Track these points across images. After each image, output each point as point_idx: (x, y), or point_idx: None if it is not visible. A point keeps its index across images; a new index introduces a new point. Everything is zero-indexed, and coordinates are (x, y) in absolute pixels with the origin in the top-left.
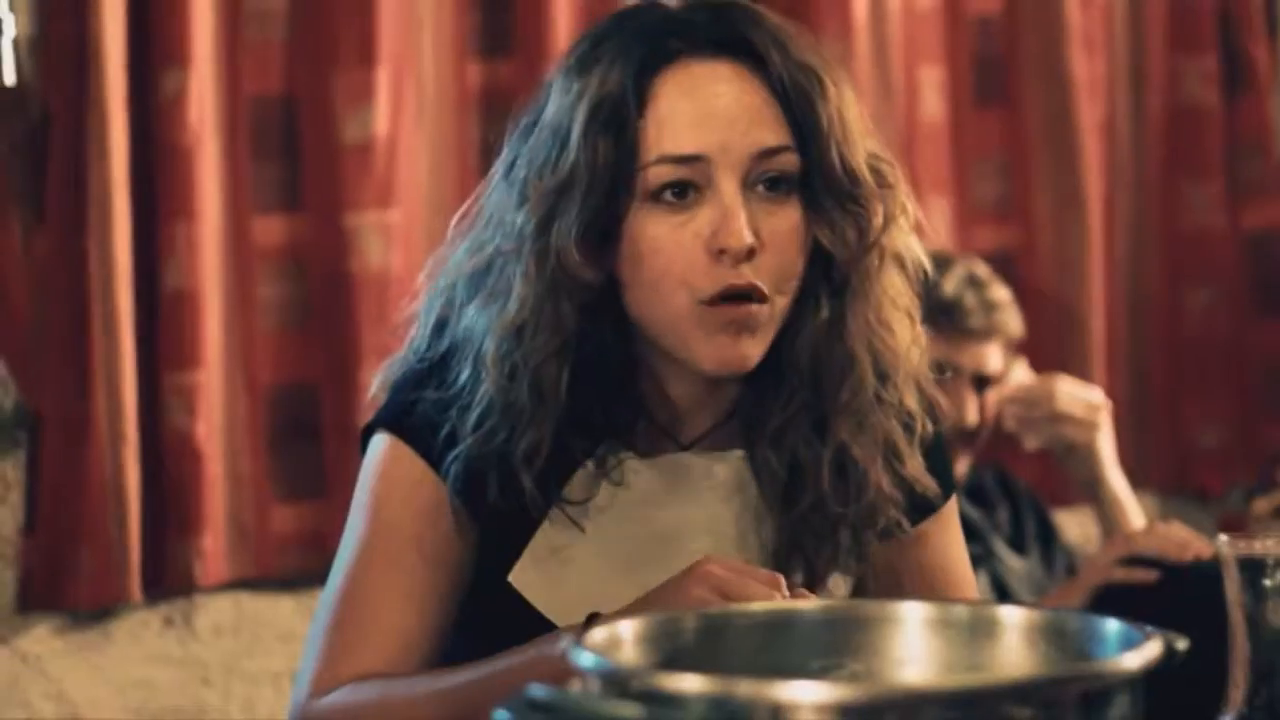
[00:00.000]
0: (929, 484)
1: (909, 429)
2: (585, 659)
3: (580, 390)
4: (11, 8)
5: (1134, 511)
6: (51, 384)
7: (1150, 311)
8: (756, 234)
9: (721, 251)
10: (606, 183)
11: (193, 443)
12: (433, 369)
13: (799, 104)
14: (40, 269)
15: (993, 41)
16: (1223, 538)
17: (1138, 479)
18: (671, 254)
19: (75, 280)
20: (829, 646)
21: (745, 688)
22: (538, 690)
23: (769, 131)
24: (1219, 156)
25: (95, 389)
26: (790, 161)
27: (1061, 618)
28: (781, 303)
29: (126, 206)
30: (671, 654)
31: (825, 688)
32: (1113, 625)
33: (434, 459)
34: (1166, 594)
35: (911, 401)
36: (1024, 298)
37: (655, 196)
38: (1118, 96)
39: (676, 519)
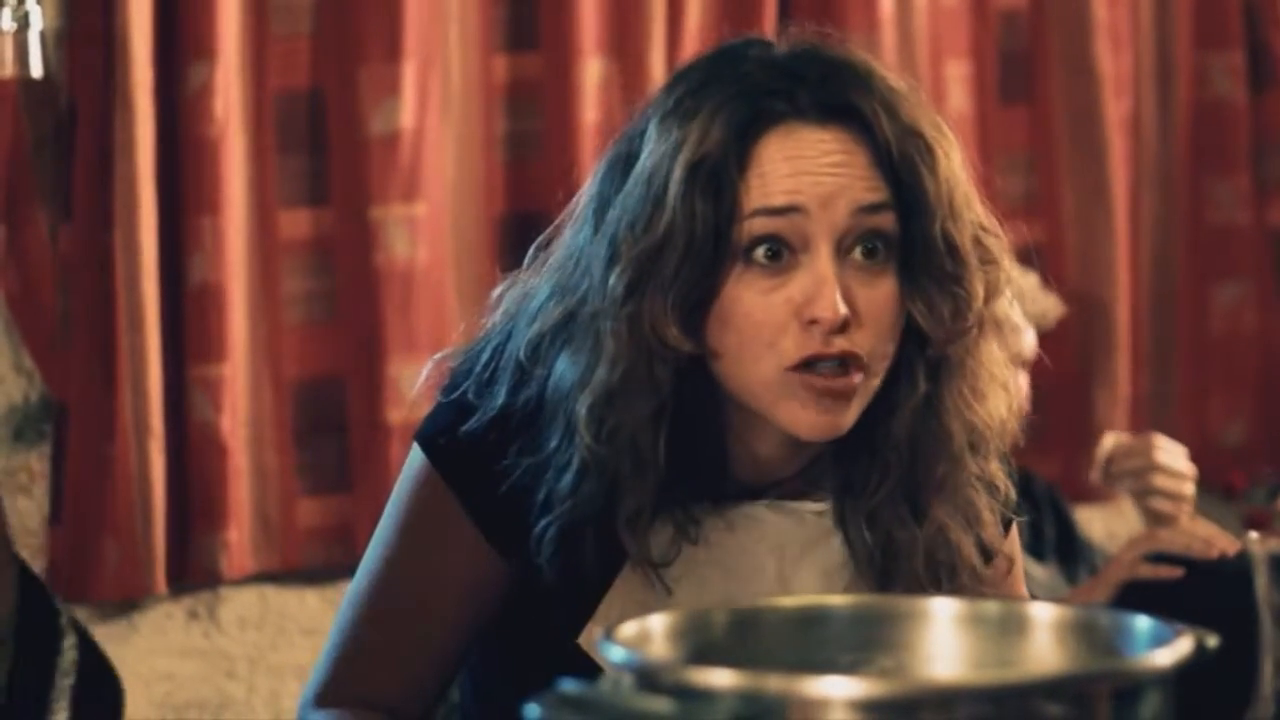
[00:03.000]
0: (1002, 546)
1: (993, 494)
2: (616, 653)
3: (674, 452)
4: (39, 1)
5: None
6: (77, 377)
7: (1176, 307)
8: (851, 304)
9: (813, 321)
10: (701, 245)
11: (218, 436)
12: (516, 423)
13: (905, 171)
14: (66, 262)
15: (1019, 36)
16: (1252, 535)
17: None
18: (761, 320)
19: (101, 273)
20: (859, 642)
21: (776, 683)
22: (568, 685)
23: (869, 190)
24: (1245, 152)
25: (121, 382)
26: (889, 222)
27: (1092, 614)
28: (875, 374)
29: (152, 200)
30: (701, 648)
31: (856, 683)
32: (1144, 622)
33: (479, 508)
34: (1192, 591)
35: (996, 469)
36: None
37: (749, 256)
38: (1144, 92)
39: (749, 570)
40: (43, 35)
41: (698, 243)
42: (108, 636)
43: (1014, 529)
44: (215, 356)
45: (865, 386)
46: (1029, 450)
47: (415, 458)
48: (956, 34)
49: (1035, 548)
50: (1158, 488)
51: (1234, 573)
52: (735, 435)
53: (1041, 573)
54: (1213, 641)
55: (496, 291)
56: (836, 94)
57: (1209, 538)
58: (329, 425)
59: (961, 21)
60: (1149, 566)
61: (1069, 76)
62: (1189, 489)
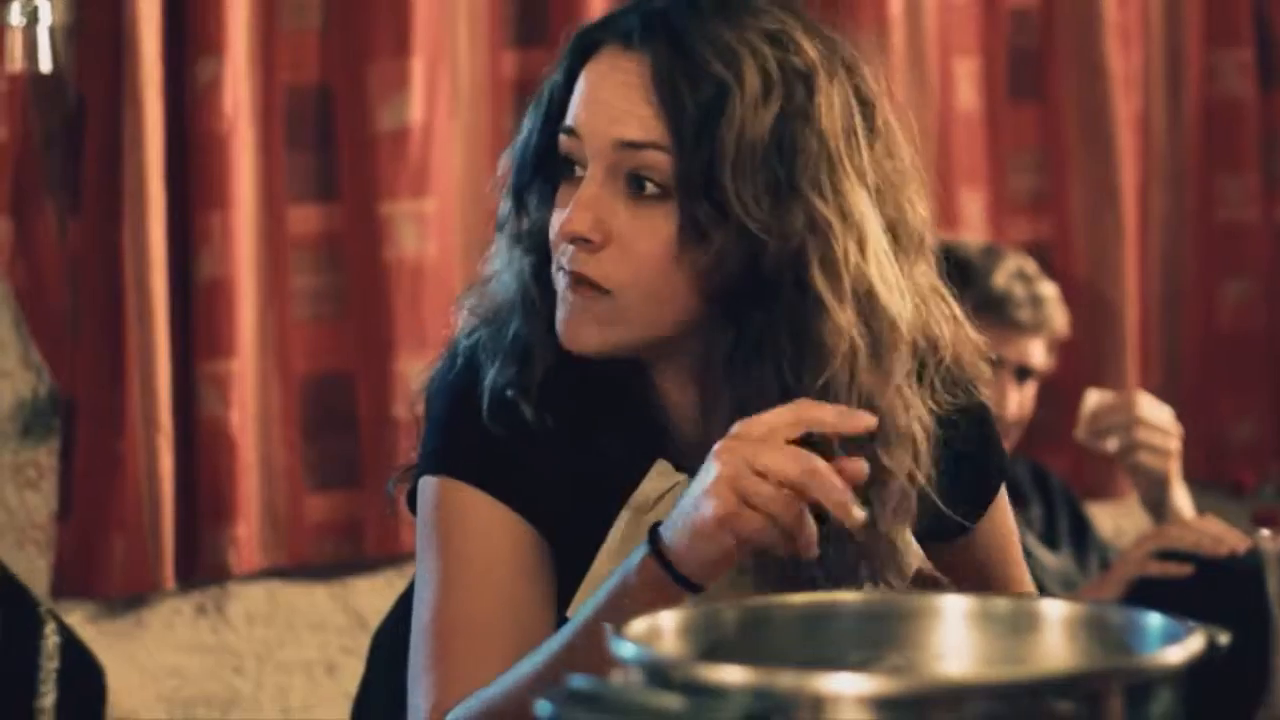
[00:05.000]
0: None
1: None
2: (626, 650)
3: (589, 395)
4: None
5: (1185, 506)
6: (86, 372)
7: (1185, 304)
8: (607, 229)
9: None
10: (535, 158)
11: (227, 431)
12: (467, 385)
13: (693, 106)
14: (75, 257)
15: (1028, 34)
16: (1264, 533)
17: None
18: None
19: (110, 268)
20: (869, 639)
21: (787, 679)
22: (579, 681)
23: (638, 126)
24: (1255, 149)
25: (129, 377)
26: (657, 160)
27: (1103, 611)
28: (634, 301)
29: (161, 195)
30: (712, 645)
31: (867, 680)
32: (1155, 619)
33: (505, 489)
34: (1201, 588)
35: (927, 396)
36: (1058, 290)
37: (568, 171)
38: (1153, 89)
39: None
40: (52, 30)
41: (530, 155)
42: (116, 632)
43: (1002, 493)
44: (224, 351)
45: (620, 312)
46: (1041, 446)
47: (425, 487)
48: (966, 31)
49: (1049, 538)
50: (1142, 441)
51: (1244, 570)
52: (644, 380)
53: (1055, 562)
54: (1224, 639)
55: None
56: (650, 20)
57: (1219, 535)
58: (338, 420)
59: (971, 19)
60: (1158, 564)
61: (1079, 74)
62: (1174, 444)
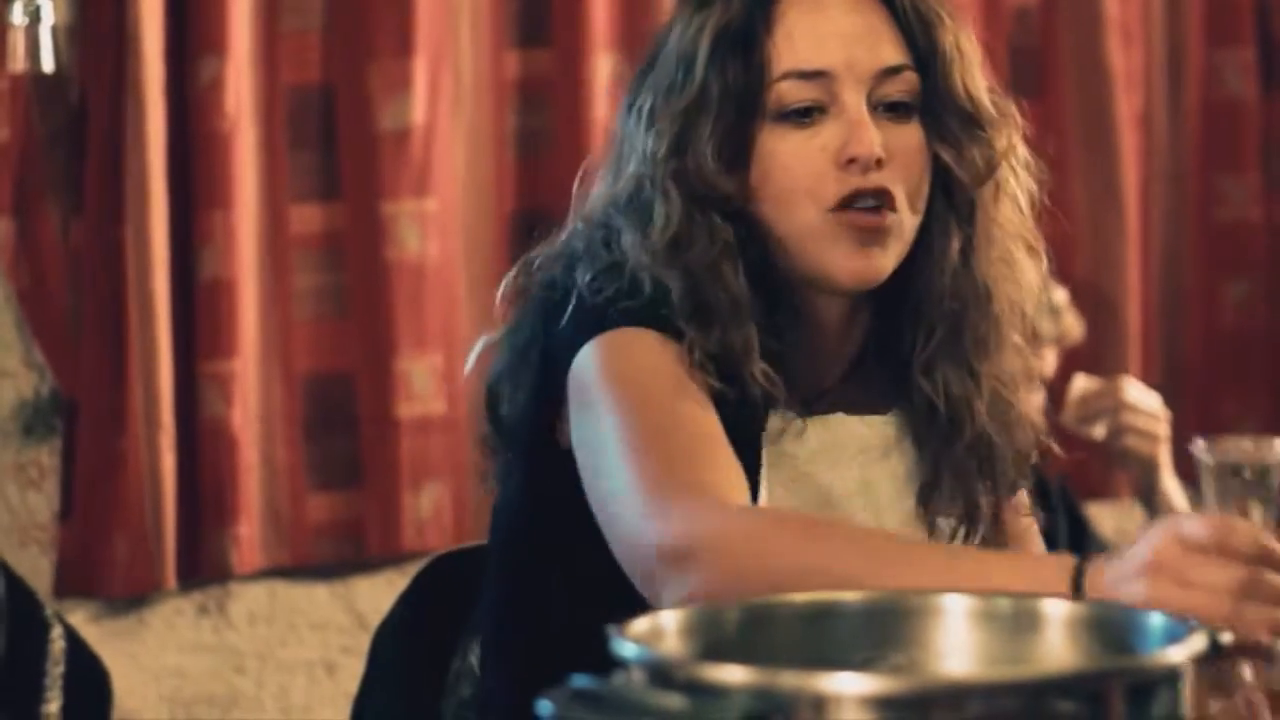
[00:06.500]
0: (1041, 430)
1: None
2: (628, 649)
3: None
4: None
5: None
6: (88, 371)
7: (1186, 304)
8: (884, 148)
9: (850, 161)
10: (735, 103)
11: (228, 431)
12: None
13: (920, 29)
14: (77, 257)
15: (1030, 33)
16: (1200, 443)
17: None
18: (799, 168)
19: (112, 268)
20: (871, 638)
21: (789, 679)
22: (582, 681)
23: (891, 50)
24: (1256, 149)
25: (131, 377)
26: (911, 82)
27: (1105, 610)
28: (910, 220)
29: (163, 195)
30: (714, 645)
31: (869, 679)
32: (1156, 618)
33: (673, 332)
34: None
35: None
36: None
37: (783, 116)
38: (1155, 89)
39: (831, 481)
40: (54, 30)
41: (730, 100)
42: (117, 632)
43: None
44: (226, 351)
45: (899, 229)
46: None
47: (589, 353)
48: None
49: (1048, 543)
50: (1129, 425)
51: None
52: (790, 314)
53: None
54: (1226, 637)
55: (571, 216)
56: None
57: None
58: (339, 420)
59: (972, 17)
60: None
61: (1080, 73)
62: (1162, 429)
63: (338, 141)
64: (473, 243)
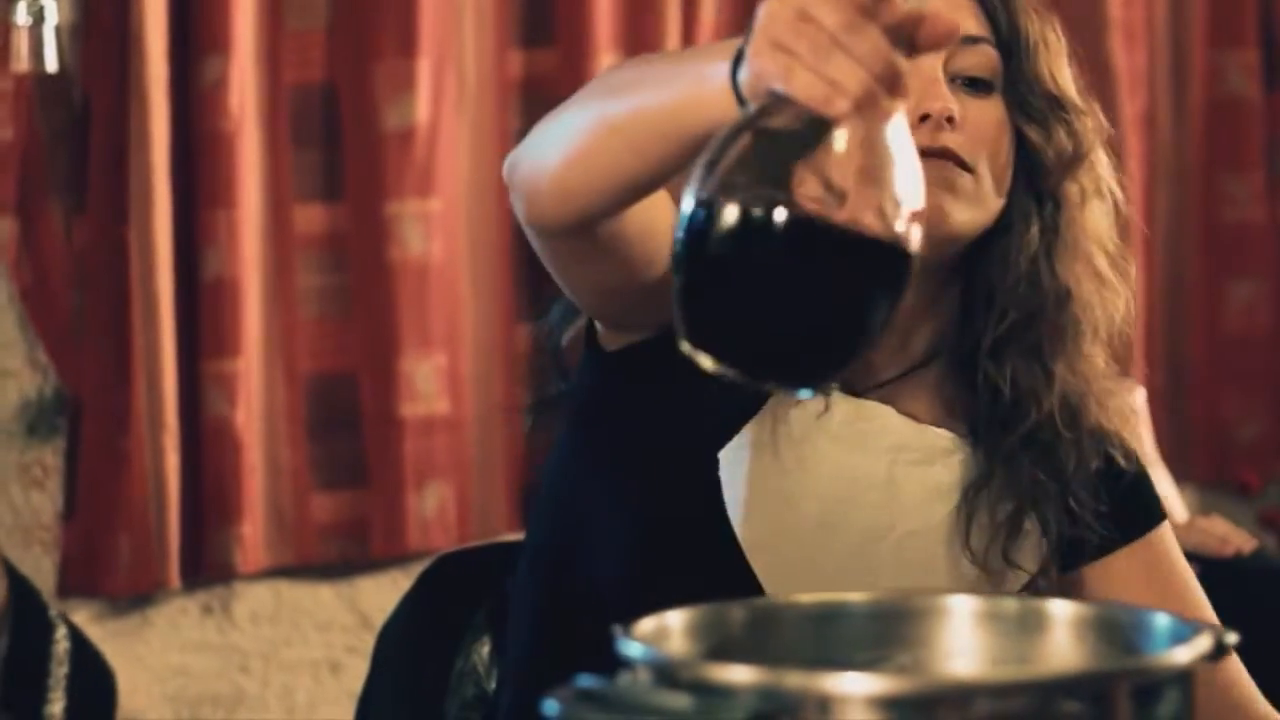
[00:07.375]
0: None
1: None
2: (634, 649)
3: None
4: None
5: (1176, 507)
6: (92, 371)
7: (1190, 304)
8: (961, 116)
9: (924, 117)
10: None
11: (232, 431)
12: None
13: (1004, 13)
14: (81, 256)
15: None
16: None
17: (1177, 473)
18: None
19: (116, 268)
20: (877, 639)
21: (795, 679)
22: (587, 681)
23: (971, 22)
24: (1259, 149)
25: (135, 376)
26: (990, 57)
27: (1111, 611)
28: (989, 193)
29: (167, 194)
30: (719, 645)
31: (875, 679)
32: (1162, 619)
33: None
34: (1206, 589)
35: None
36: None
37: None
38: (1158, 89)
39: (854, 464)
40: (58, 30)
41: None
42: (121, 631)
43: (1166, 528)
44: (229, 351)
45: (973, 192)
46: None
47: None
48: None
49: None
50: None
51: (1249, 570)
52: None
53: None
54: (1232, 638)
55: None
56: None
57: (1223, 536)
58: (343, 420)
59: None
60: None
61: (1084, 73)
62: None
63: (341, 141)
64: (476, 243)
